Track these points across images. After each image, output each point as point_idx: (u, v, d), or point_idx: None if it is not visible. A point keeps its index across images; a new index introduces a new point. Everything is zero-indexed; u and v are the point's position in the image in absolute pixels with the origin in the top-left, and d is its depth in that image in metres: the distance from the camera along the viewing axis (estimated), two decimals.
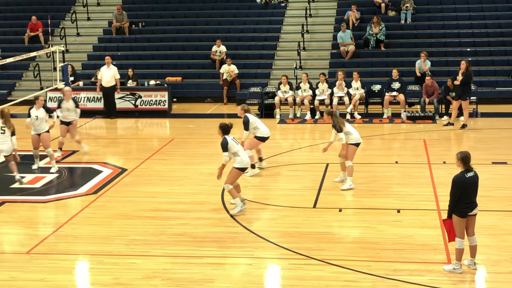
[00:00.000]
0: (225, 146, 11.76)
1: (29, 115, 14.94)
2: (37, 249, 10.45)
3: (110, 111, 21.22)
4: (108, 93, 21.41)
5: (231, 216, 11.69)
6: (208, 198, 12.79)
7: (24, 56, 19.40)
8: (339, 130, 13.09)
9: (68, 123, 16.21)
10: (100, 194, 13.26)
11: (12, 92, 24.58)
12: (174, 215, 11.89)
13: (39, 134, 14.95)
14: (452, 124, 18.81)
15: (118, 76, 21.61)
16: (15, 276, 9.45)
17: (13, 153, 13.73)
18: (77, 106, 16.39)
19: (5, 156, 13.84)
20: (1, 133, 13.60)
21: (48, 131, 15.05)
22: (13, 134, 13.67)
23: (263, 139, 14.34)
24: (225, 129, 11.89)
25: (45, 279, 9.31)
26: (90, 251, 10.49)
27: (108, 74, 21.38)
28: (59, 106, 16.31)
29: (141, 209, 12.33)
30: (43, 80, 24.05)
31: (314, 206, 12.30)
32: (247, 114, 14.13)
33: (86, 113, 20.17)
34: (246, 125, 14.04)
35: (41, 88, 22.93)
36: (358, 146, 13.35)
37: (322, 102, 20.78)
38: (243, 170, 11.94)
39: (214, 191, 13.13)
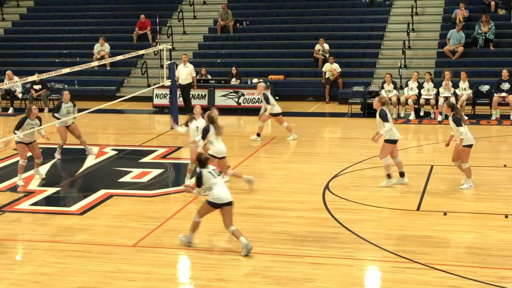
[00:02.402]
0: (199, 180, 10.34)
1: (186, 125, 14.09)
2: (143, 242, 10.75)
3: (186, 108, 21.45)
4: (184, 91, 21.99)
5: (332, 216, 11.62)
6: (308, 198, 12.78)
7: (133, 54, 19.93)
8: (460, 124, 12.75)
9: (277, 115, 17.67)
10: None
11: (120, 88, 25.44)
12: (274, 213, 11.95)
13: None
14: None
15: (194, 74, 22.29)
16: (122, 268, 9.75)
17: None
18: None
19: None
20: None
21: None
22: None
23: (395, 142, 13.60)
24: (201, 162, 10.36)
25: (150, 272, 9.56)
26: (193, 246, 10.70)
27: (184, 72, 22.03)
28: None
29: (242, 206, 12.45)
30: (150, 77, 24.80)
31: (418, 209, 12.07)
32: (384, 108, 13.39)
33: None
34: (384, 118, 13.31)
35: (148, 85, 23.58)
36: (471, 148, 13.00)
37: (427, 101, 20.36)
38: (216, 206, 10.27)
39: (315, 190, 13.13)
